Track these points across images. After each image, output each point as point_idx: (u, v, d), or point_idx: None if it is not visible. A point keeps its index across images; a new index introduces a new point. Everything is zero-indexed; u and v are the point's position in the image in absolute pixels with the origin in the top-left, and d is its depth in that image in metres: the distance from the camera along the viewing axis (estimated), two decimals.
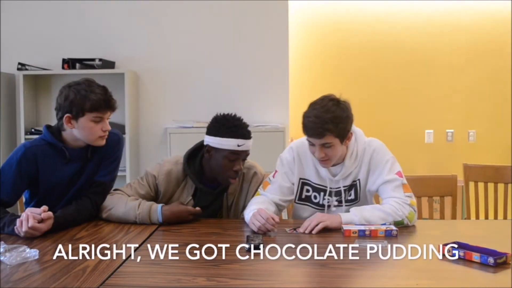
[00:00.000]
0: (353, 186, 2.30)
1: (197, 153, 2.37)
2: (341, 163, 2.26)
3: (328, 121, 2.07)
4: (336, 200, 2.30)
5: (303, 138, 2.27)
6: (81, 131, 2.15)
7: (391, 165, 2.23)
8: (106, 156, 2.29)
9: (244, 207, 2.37)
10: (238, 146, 2.22)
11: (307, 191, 2.34)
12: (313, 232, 2.05)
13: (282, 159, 2.35)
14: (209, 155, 2.28)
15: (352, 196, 2.30)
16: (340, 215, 2.12)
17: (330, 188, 2.29)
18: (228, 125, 2.24)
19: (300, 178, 2.33)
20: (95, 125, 2.14)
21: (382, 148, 2.28)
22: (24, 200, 2.35)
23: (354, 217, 2.11)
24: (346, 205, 2.29)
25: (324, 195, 2.30)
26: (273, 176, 2.35)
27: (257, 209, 2.11)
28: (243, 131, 2.25)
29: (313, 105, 2.15)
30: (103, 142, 2.21)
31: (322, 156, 2.15)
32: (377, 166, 2.24)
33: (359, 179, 2.28)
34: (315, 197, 2.33)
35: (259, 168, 2.44)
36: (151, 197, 2.34)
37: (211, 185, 2.35)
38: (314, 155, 2.19)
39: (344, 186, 2.28)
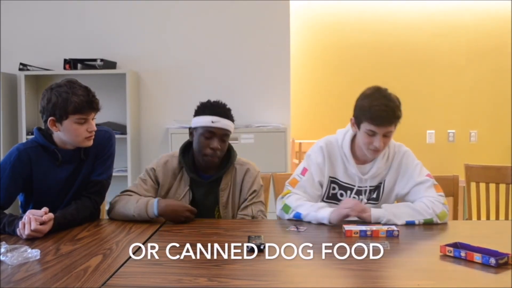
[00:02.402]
0: (378, 187, 2.32)
1: (191, 146, 2.42)
2: (372, 162, 2.29)
3: (396, 108, 2.16)
4: (361, 198, 2.31)
5: (329, 137, 2.36)
6: (66, 134, 2.13)
7: (420, 168, 2.29)
8: (100, 154, 2.29)
9: (239, 204, 2.39)
10: (212, 122, 2.27)
11: (333, 189, 2.35)
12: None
13: (312, 158, 2.35)
14: (191, 137, 2.36)
15: (374, 196, 2.32)
16: (370, 209, 2.16)
17: (358, 187, 2.31)
18: (206, 104, 2.33)
19: (330, 177, 2.34)
20: (80, 126, 2.12)
21: (410, 153, 2.35)
22: (19, 203, 2.33)
23: (384, 211, 2.15)
24: (367, 203, 2.30)
25: (351, 193, 2.32)
26: (303, 174, 2.35)
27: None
28: (219, 110, 2.30)
29: (373, 94, 2.20)
30: (90, 143, 2.20)
31: (382, 146, 2.18)
32: (407, 169, 2.28)
33: (384, 181, 2.31)
34: (342, 195, 2.34)
35: (253, 166, 2.44)
36: (155, 189, 2.39)
37: (204, 176, 2.39)
38: (368, 146, 2.20)
39: (370, 186, 2.31)
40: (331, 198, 2.36)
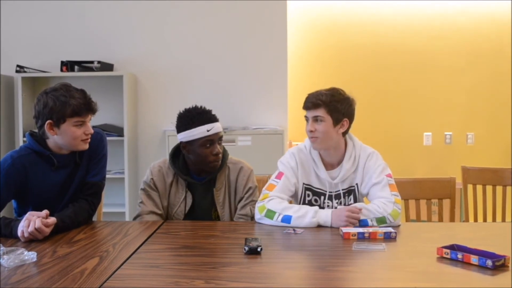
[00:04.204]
0: (352, 191, 2.36)
1: (180, 151, 2.43)
2: (340, 166, 2.33)
3: (324, 94, 2.26)
4: (336, 203, 2.34)
5: (299, 144, 2.42)
6: (63, 137, 2.13)
7: (382, 169, 2.31)
8: (93, 156, 2.29)
9: (235, 202, 2.41)
10: (208, 131, 2.28)
11: (308, 195, 2.38)
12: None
13: (285, 163, 2.38)
14: (186, 151, 2.35)
15: (352, 201, 2.35)
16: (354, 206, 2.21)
17: (330, 192, 2.35)
18: (191, 116, 2.32)
19: (304, 183, 2.38)
20: (77, 129, 2.13)
21: (375, 154, 2.36)
22: (13, 209, 2.32)
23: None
24: None
25: (324, 199, 2.35)
26: (279, 178, 2.35)
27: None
28: (208, 116, 2.32)
29: None
30: (86, 146, 2.20)
31: (311, 130, 2.25)
32: (369, 170, 2.32)
33: (356, 184, 2.35)
34: (316, 201, 2.37)
35: (246, 164, 2.48)
36: (159, 196, 2.41)
37: (197, 178, 2.41)
38: (308, 133, 2.28)
39: (343, 189, 2.35)
40: (307, 204, 2.36)
